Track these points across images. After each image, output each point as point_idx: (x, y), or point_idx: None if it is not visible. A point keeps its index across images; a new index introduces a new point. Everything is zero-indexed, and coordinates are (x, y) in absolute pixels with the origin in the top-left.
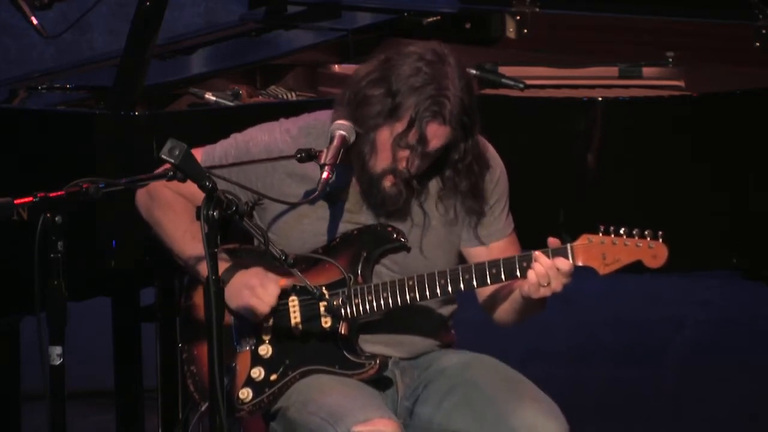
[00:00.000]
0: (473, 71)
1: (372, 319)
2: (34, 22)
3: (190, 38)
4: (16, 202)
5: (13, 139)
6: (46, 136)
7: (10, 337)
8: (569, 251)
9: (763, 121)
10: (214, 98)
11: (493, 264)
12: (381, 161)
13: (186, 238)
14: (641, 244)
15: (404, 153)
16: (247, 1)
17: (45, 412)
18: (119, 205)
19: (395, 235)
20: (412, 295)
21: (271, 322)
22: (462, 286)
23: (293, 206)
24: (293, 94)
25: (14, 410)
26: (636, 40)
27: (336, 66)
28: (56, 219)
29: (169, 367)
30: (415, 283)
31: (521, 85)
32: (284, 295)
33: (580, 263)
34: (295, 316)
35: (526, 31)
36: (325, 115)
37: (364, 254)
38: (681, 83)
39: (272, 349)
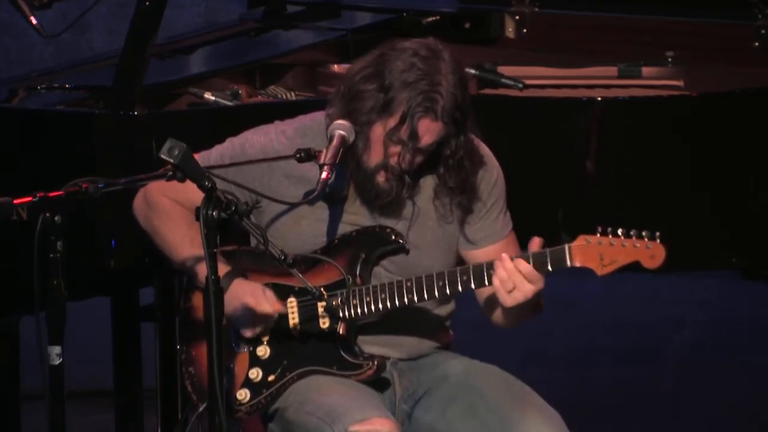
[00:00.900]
0: (472, 71)
1: (370, 320)
2: (34, 21)
3: (190, 38)
4: (15, 201)
5: (13, 139)
6: (45, 135)
7: (10, 337)
8: (567, 252)
9: (762, 121)
10: (213, 98)
11: (491, 265)
12: (374, 156)
13: (184, 243)
14: (639, 245)
15: (396, 148)
16: (246, 0)
17: (44, 412)
18: (118, 204)
19: (394, 237)
20: (410, 296)
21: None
22: (460, 287)
23: (291, 208)
24: (292, 93)
25: (14, 410)
26: (635, 39)
27: (335, 66)
28: (55, 219)
29: (168, 366)
30: (413, 284)
31: (520, 85)
32: (282, 295)
33: (577, 264)
34: (294, 317)
35: (525, 30)
36: (320, 115)
37: (363, 256)
38: (680, 83)
39: (270, 350)
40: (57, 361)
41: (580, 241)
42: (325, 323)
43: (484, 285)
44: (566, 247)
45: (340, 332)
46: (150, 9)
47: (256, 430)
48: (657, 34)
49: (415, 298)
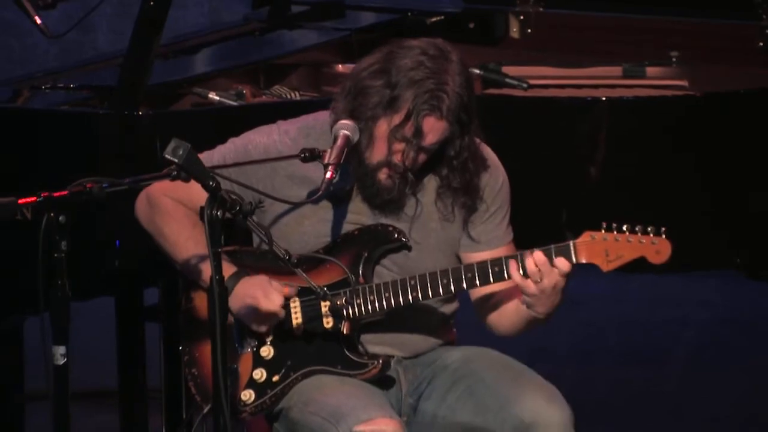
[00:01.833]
0: (476, 71)
1: (374, 319)
2: (38, 21)
3: (194, 38)
4: (19, 201)
5: (17, 139)
6: (49, 135)
7: (14, 337)
8: (572, 248)
9: (766, 121)
10: (217, 98)
11: (496, 262)
12: (377, 153)
13: (188, 244)
14: (644, 240)
15: (400, 146)
16: (250, 0)
17: (49, 412)
18: (123, 204)
19: (396, 235)
20: (414, 294)
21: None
22: (464, 284)
23: (294, 208)
24: (297, 93)
25: (18, 410)
26: (639, 39)
27: (339, 66)
28: (60, 219)
29: (173, 367)
30: (417, 282)
31: (525, 85)
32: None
33: (583, 260)
34: (297, 317)
35: (529, 30)
36: (323, 115)
37: (365, 254)
38: (684, 83)
39: (274, 350)
40: (61, 362)
41: (585, 237)
42: (329, 323)
43: (489, 282)
44: (571, 243)
45: (344, 331)
46: (154, 9)
47: (260, 429)
48: (661, 34)
49: (420, 296)
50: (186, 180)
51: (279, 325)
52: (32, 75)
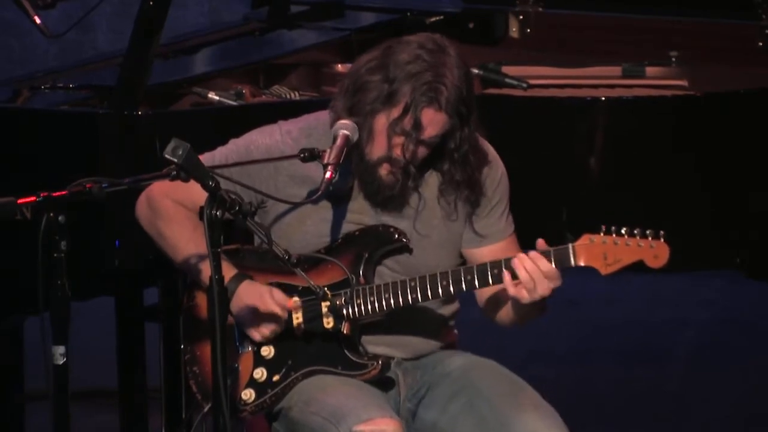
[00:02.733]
0: (476, 71)
1: (374, 319)
2: (38, 21)
3: (194, 38)
4: (19, 201)
5: (17, 139)
6: (49, 135)
7: (14, 337)
8: (571, 251)
9: (765, 121)
10: (217, 98)
11: (495, 264)
12: (377, 148)
13: (189, 245)
14: (643, 244)
15: (400, 139)
16: (250, 0)
17: (48, 412)
18: (122, 204)
19: (397, 236)
20: (414, 295)
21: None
22: (464, 286)
23: (295, 208)
24: (296, 93)
25: (18, 410)
26: (639, 39)
27: (339, 65)
28: (59, 219)
29: (172, 366)
30: (418, 283)
31: (524, 85)
32: (286, 295)
33: (581, 263)
34: (297, 317)
35: (529, 30)
36: (325, 115)
37: (366, 255)
38: (684, 83)
39: (274, 350)
40: (61, 361)
41: (584, 240)
42: (329, 323)
43: (488, 284)
44: (570, 246)
45: (345, 332)
46: (154, 9)
47: (260, 429)
48: (661, 33)
49: (420, 298)
50: (185, 180)
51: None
52: (32, 75)
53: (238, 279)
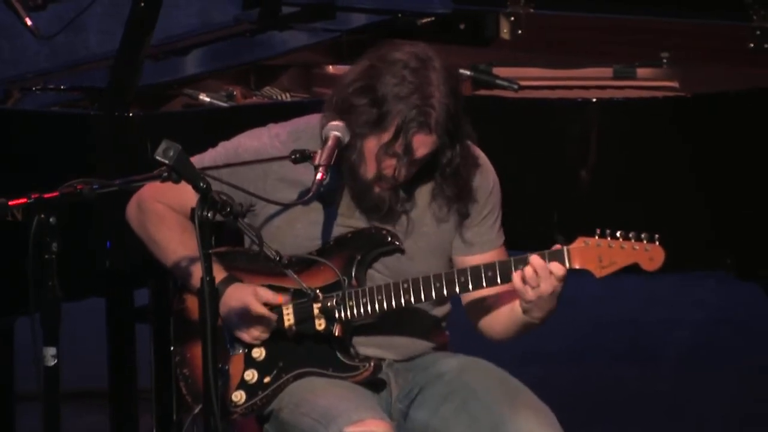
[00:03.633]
0: (467, 72)
1: (366, 321)
2: (28, 22)
3: (185, 39)
4: (10, 203)
5: (7, 140)
6: (40, 136)
7: (4, 338)
8: (565, 254)
9: (757, 122)
10: (208, 99)
11: (489, 266)
12: (369, 169)
13: (179, 249)
14: (638, 247)
15: (391, 161)
16: (241, 1)
17: (39, 413)
18: (113, 206)
19: (389, 238)
20: (406, 297)
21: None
22: (457, 288)
23: (285, 210)
24: (287, 94)
25: (8, 411)
26: (630, 40)
27: (330, 67)
28: (50, 220)
29: (163, 368)
30: (410, 285)
31: (515, 86)
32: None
33: (576, 266)
34: (289, 319)
35: (520, 31)
36: (314, 118)
37: (358, 257)
38: (675, 84)
39: (265, 352)
40: (52, 362)
41: (579, 242)
42: (320, 324)
43: (482, 286)
44: (565, 248)
45: (336, 334)
46: (145, 10)
47: (251, 431)
48: (652, 34)
49: (412, 300)
50: (176, 181)
51: (274, 328)
52: (23, 76)
53: (225, 282)
